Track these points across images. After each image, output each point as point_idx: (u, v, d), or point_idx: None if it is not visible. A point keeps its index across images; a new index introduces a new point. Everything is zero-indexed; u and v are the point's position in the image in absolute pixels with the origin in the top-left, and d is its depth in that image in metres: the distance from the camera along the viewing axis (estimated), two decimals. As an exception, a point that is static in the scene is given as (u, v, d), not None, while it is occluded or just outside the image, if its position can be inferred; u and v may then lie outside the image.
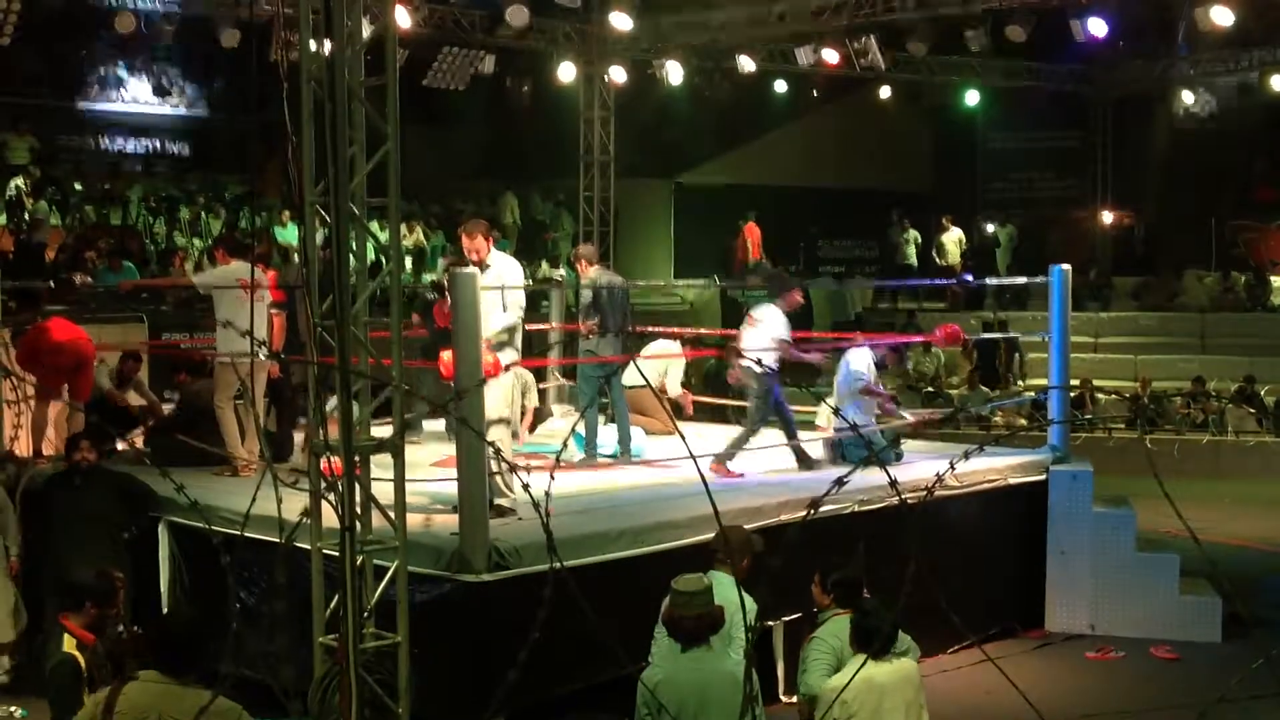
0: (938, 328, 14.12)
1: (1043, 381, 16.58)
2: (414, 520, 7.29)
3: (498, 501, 8.13)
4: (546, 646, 5.99)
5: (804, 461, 10.37)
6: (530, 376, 11.50)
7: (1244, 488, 14.96)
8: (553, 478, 4.18)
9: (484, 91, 19.52)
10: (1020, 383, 19.94)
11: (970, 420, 17.78)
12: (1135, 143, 25.26)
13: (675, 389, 12.34)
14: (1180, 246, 25.08)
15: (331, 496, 6.01)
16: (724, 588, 6.03)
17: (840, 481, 3.83)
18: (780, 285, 10.74)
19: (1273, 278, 22.83)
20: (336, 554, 5.84)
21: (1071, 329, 11.39)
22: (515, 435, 10.08)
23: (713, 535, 6.79)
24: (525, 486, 7.48)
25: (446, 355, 8.07)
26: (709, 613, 5.68)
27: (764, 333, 10.31)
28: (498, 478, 8.04)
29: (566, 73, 18.55)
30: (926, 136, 27.25)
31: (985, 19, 16.88)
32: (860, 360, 10.57)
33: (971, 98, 23.68)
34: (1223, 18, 13.20)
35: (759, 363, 9.67)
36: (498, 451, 7.61)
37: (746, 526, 7.98)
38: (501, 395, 8.53)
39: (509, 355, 8.59)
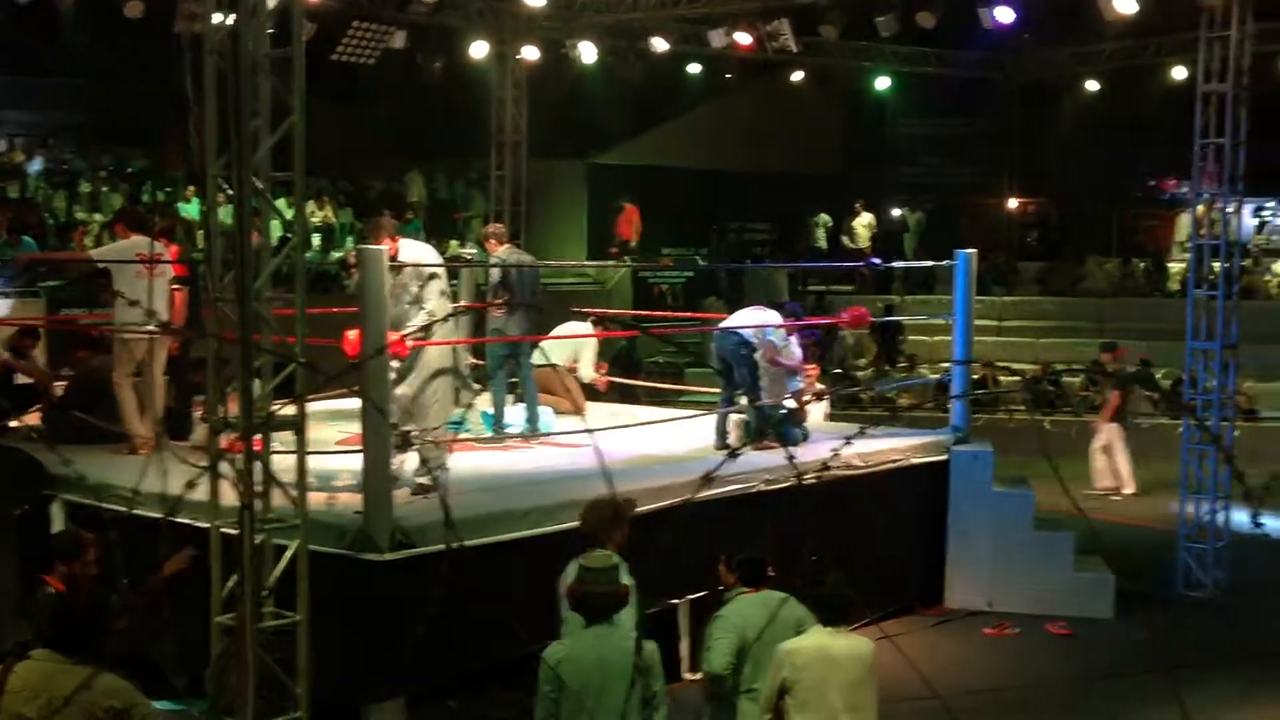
0: (845, 310, 14.27)
1: (947, 364, 16.82)
2: (317, 499, 7.23)
3: (420, 479, 8.08)
4: (451, 625, 5.98)
5: (722, 439, 10.44)
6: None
7: (1139, 469, 15.31)
8: (450, 451, 4.15)
9: (395, 67, 19.31)
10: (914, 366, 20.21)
11: (876, 401, 18.00)
12: (1042, 130, 25.66)
13: (588, 372, 12.32)
14: (1083, 233, 25.57)
15: (231, 473, 5.94)
16: None
17: (733, 455, 3.87)
18: (792, 311, 11.34)
19: (1170, 264, 23.36)
20: (236, 532, 5.78)
21: (975, 312, 11.59)
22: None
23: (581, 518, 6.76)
24: (425, 463, 7.48)
25: (352, 334, 8.00)
26: (615, 590, 5.71)
27: (757, 317, 10.58)
28: (428, 453, 7.98)
29: (479, 50, 18.39)
30: (838, 121, 27.42)
31: (896, 5, 17.03)
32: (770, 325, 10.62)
33: (882, 83, 23.89)
34: (1126, 6, 13.42)
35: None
36: (395, 428, 7.57)
37: (654, 505, 8.03)
38: (429, 369, 8.44)
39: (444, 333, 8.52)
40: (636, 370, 18.05)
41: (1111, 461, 15.17)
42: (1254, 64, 12.81)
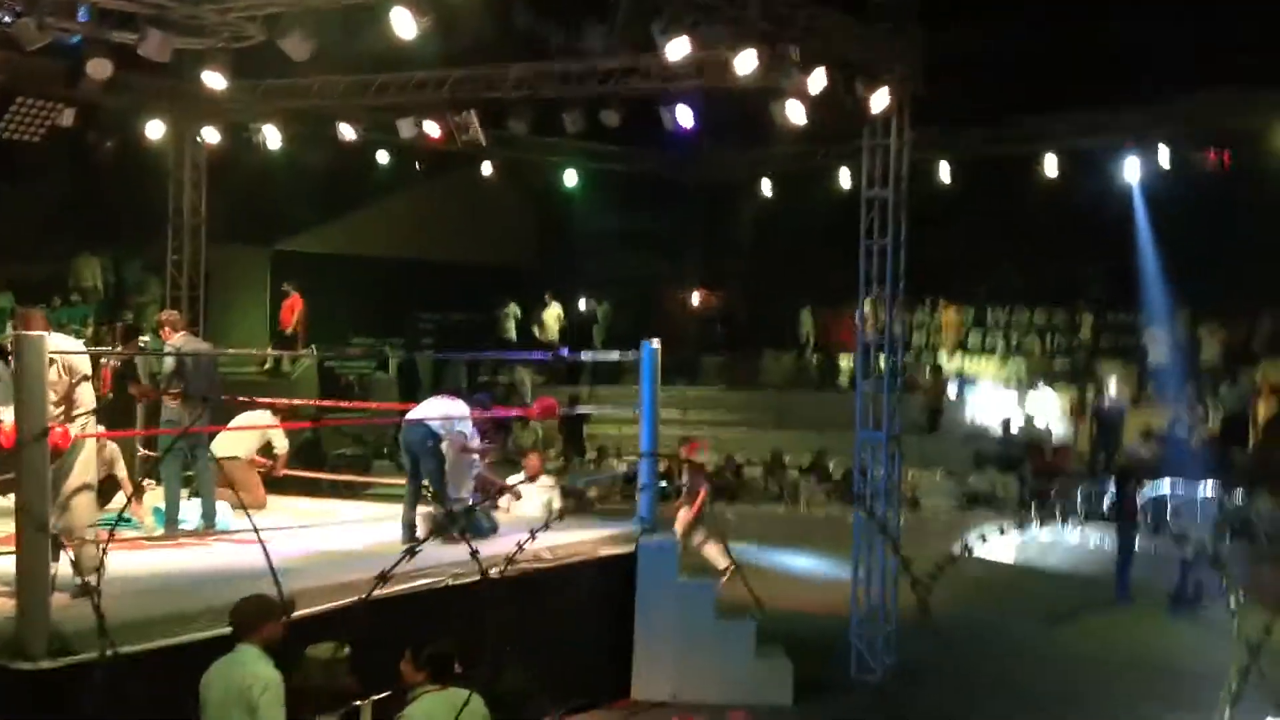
0: (534, 401, 14.34)
1: (634, 457, 17.12)
2: (-37, 605, 6.68)
3: (83, 580, 7.57)
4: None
5: (409, 533, 10.22)
6: (115, 447, 10.86)
7: (816, 557, 15.93)
8: (104, 549, 3.90)
9: (63, 146, 18.32)
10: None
11: (566, 493, 18.09)
12: (723, 228, 26.74)
13: (283, 443, 12.07)
14: (761, 328, 26.70)
15: None
16: (251, 661, 5.91)
17: (411, 552, 3.79)
18: (481, 402, 11.36)
19: (841, 359, 24.63)
20: None
21: (661, 404, 11.84)
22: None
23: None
24: (96, 569, 7.02)
25: (6, 423, 7.48)
26: (333, 681, 5.52)
27: (448, 408, 10.39)
28: (84, 554, 7.48)
29: (155, 130, 17.69)
30: (528, 213, 27.78)
31: (581, 102, 17.43)
32: (463, 417, 10.55)
33: (570, 178, 24.41)
34: (796, 114, 14.17)
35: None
36: (66, 531, 7.14)
37: (336, 603, 7.80)
38: (82, 468, 7.98)
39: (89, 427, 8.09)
40: (321, 462, 17.56)
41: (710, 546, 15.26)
42: (914, 170, 13.79)
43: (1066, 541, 17.57)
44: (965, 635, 13.14)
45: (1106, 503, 17.20)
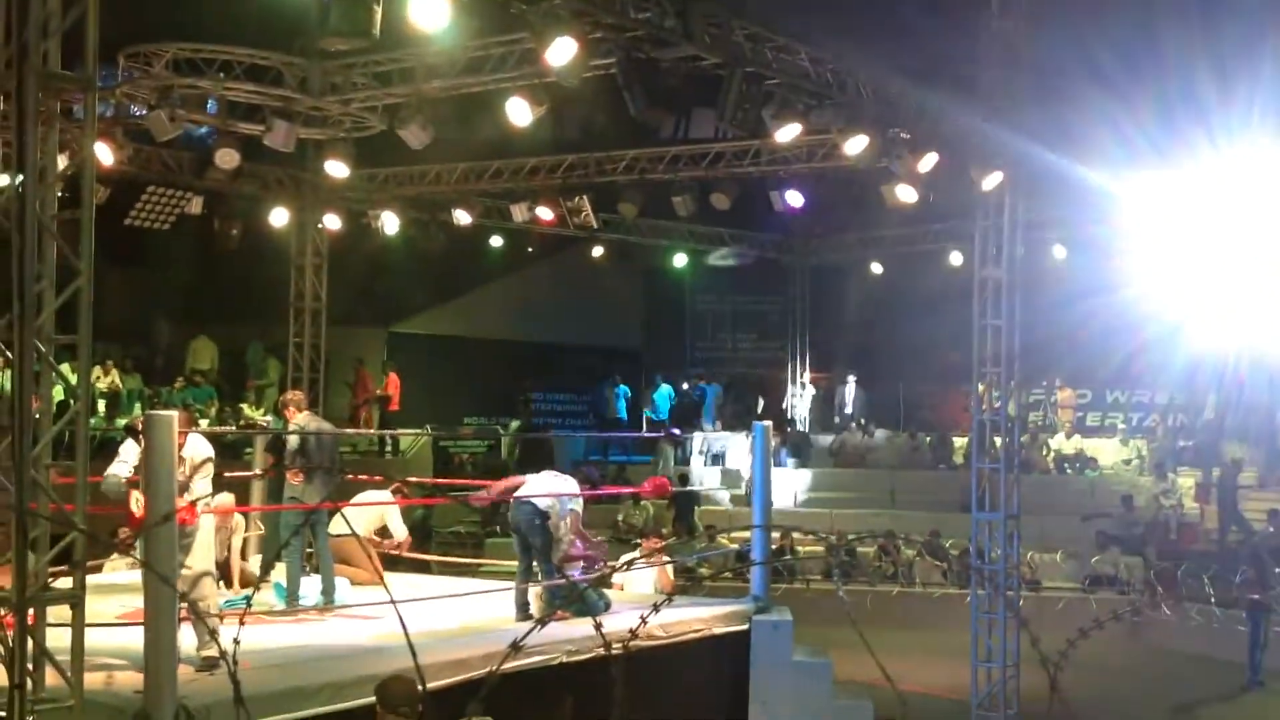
0: (646, 480, 14.36)
1: (747, 535, 17.01)
2: (94, 678, 6.84)
3: (205, 653, 7.75)
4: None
5: (523, 610, 10.26)
6: (240, 520, 11.17)
7: (931, 637, 15.64)
8: (242, 624, 3.99)
9: (190, 233, 18.99)
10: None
11: (678, 571, 18.03)
12: (831, 309, 26.69)
13: (400, 531, 12.18)
14: (872, 407, 26.49)
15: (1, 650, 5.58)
16: None
17: (516, 645, 3.82)
18: (589, 477, 11.00)
19: (955, 438, 24.30)
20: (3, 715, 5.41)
21: (772, 484, 11.79)
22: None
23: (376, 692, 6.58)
24: (221, 653, 7.17)
25: (136, 502, 7.72)
26: None
27: (557, 485, 10.39)
28: (204, 626, 7.66)
29: (279, 218, 18.27)
30: (638, 295, 28.06)
31: (692, 186, 17.65)
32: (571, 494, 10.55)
33: (680, 260, 24.61)
34: (906, 195, 14.19)
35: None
36: (193, 604, 7.31)
37: (452, 679, 7.84)
38: (206, 544, 8.21)
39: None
40: (429, 540, 17.76)
41: None
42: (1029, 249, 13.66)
43: (1194, 624, 17.03)
44: (1090, 721, 12.79)
45: (1236, 584, 16.65)
